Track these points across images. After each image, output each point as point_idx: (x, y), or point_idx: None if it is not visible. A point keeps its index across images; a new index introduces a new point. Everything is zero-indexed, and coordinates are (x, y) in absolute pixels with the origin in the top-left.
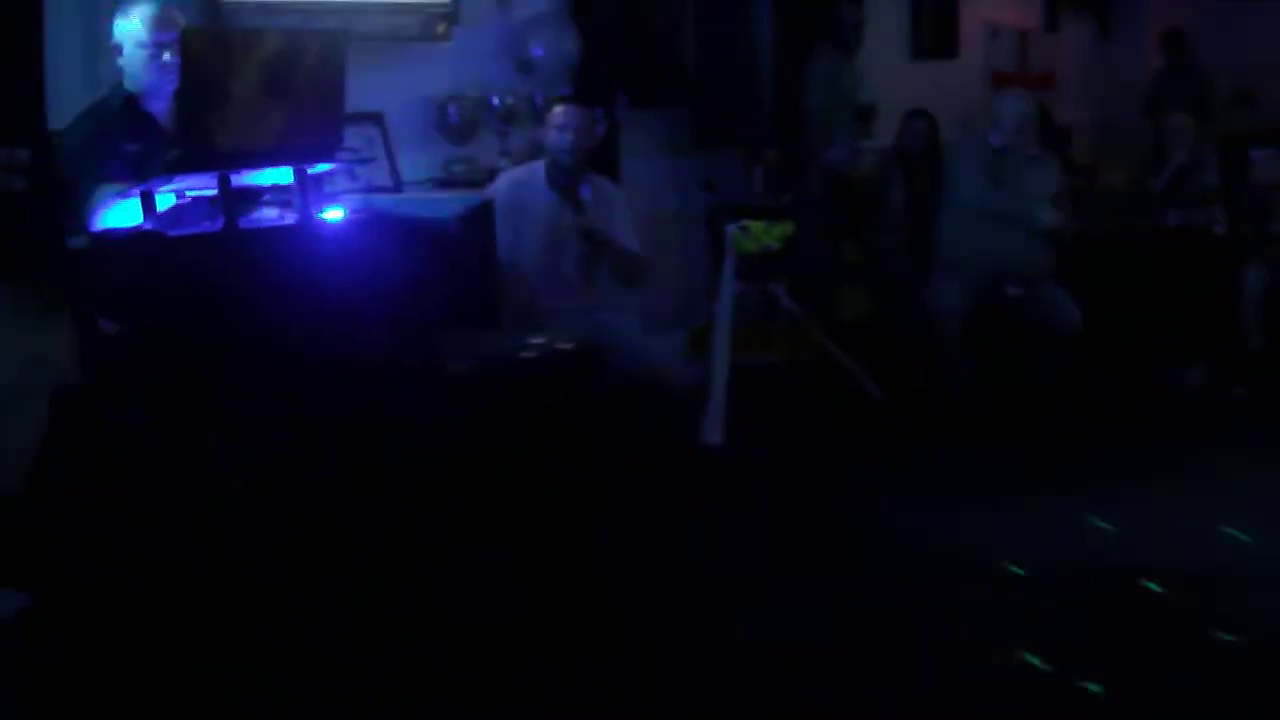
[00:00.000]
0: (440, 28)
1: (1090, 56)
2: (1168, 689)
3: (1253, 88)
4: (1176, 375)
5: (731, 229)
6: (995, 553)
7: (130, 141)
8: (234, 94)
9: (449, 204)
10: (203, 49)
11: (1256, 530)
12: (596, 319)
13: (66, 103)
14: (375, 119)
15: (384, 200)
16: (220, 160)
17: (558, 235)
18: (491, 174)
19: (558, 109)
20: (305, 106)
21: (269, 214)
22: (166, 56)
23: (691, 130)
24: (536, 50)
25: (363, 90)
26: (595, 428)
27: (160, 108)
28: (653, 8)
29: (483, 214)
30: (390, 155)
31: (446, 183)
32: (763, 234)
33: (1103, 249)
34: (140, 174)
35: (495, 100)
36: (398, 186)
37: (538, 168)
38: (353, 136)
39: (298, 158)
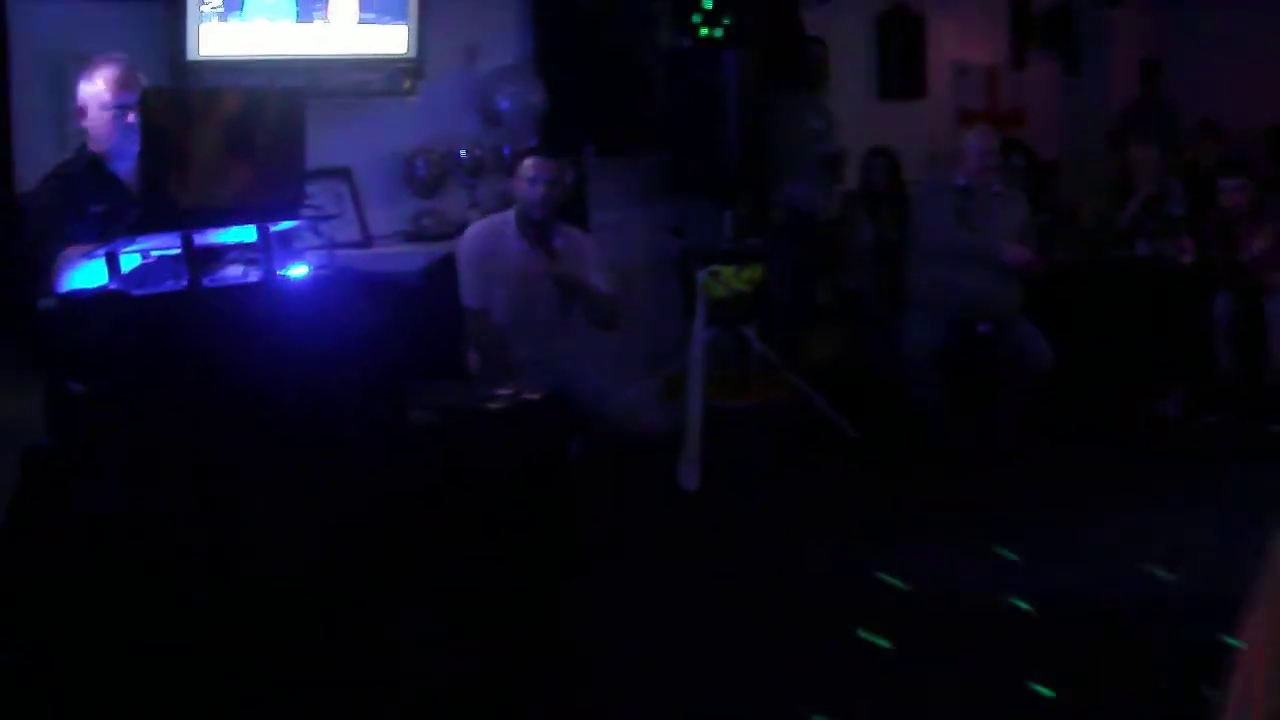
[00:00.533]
0: (406, 82)
1: (1057, 93)
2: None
3: (1218, 119)
4: (1150, 406)
5: (701, 274)
6: (975, 587)
7: (96, 202)
8: (195, 153)
9: (413, 258)
10: (163, 109)
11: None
12: (569, 367)
13: (34, 165)
14: (343, 174)
15: (349, 256)
16: (183, 219)
17: (529, 284)
18: (461, 226)
19: (528, 162)
20: (266, 164)
21: (233, 272)
22: (130, 118)
23: (661, 177)
24: (503, 102)
25: (330, 146)
26: (564, 477)
27: (125, 168)
28: (619, 56)
29: (446, 267)
30: (358, 210)
31: (415, 236)
32: (733, 278)
33: (1072, 282)
34: (106, 235)
35: (462, 153)
36: (366, 241)
37: (508, 218)
38: (320, 192)
39: (260, 215)
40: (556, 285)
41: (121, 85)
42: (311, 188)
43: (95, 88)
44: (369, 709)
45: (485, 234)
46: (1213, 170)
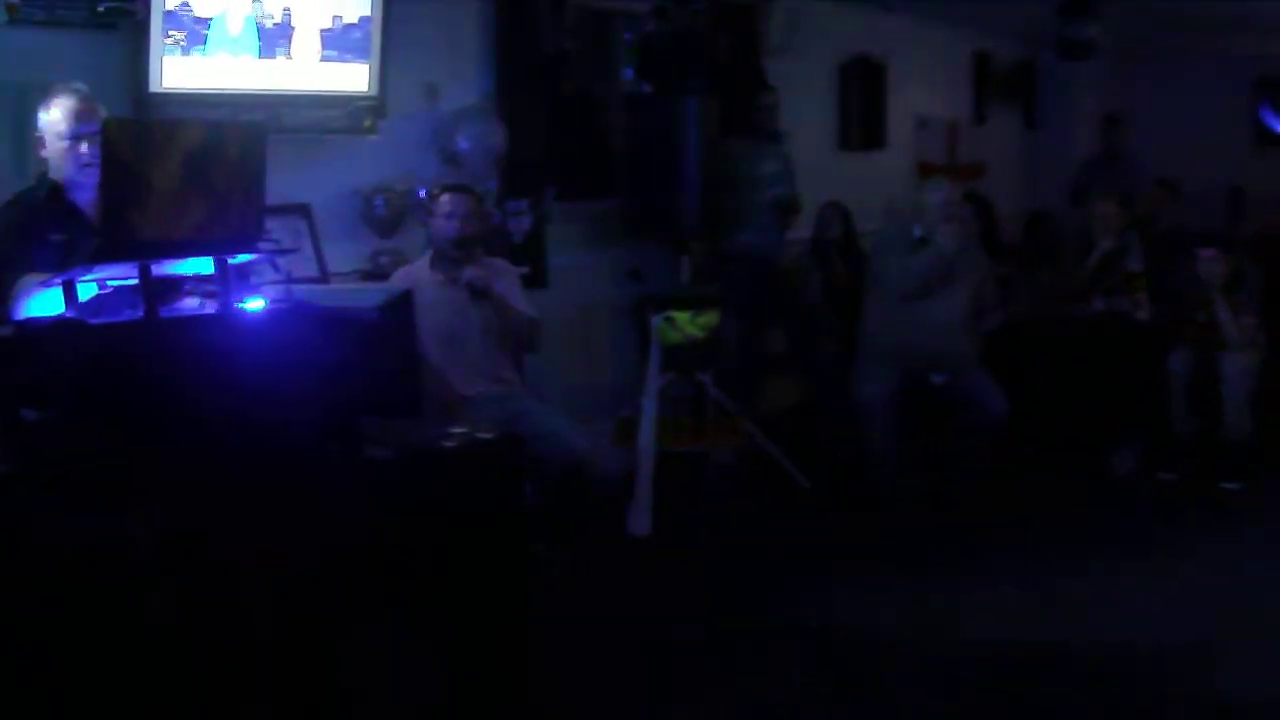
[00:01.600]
0: (367, 121)
1: (1018, 147)
2: None
3: (1175, 178)
4: (1105, 461)
5: (656, 319)
6: (926, 637)
7: (55, 231)
8: (155, 185)
9: (370, 294)
10: (124, 140)
11: (1175, 610)
12: (518, 407)
13: None
14: (302, 211)
15: (306, 291)
16: (141, 250)
17: (452, 320)
18: None
19: (444, 197)
20: (226, 197)
21: (190, 304)
22: (84, 148)
23: (620, 222)
24: (463, 143)
25: (290, 182)
26: (518, 517)
27: (85, 198)
28: (580, 101)
29: (403, 304)
30: (317, 247)
31: (373, 275)
32: (688, 324)
33: (1029, 335)
34: (65, 264)
35: (422, 192)
36: (324, 278)
37: (425, 259)
38: (280, 228)
39: (218, 248)
40: (467, 290)
41: (79, 116)
42: (271, 223)
43: (53, 118)
44: None
45: (405, 280)
46: (1190, 238)
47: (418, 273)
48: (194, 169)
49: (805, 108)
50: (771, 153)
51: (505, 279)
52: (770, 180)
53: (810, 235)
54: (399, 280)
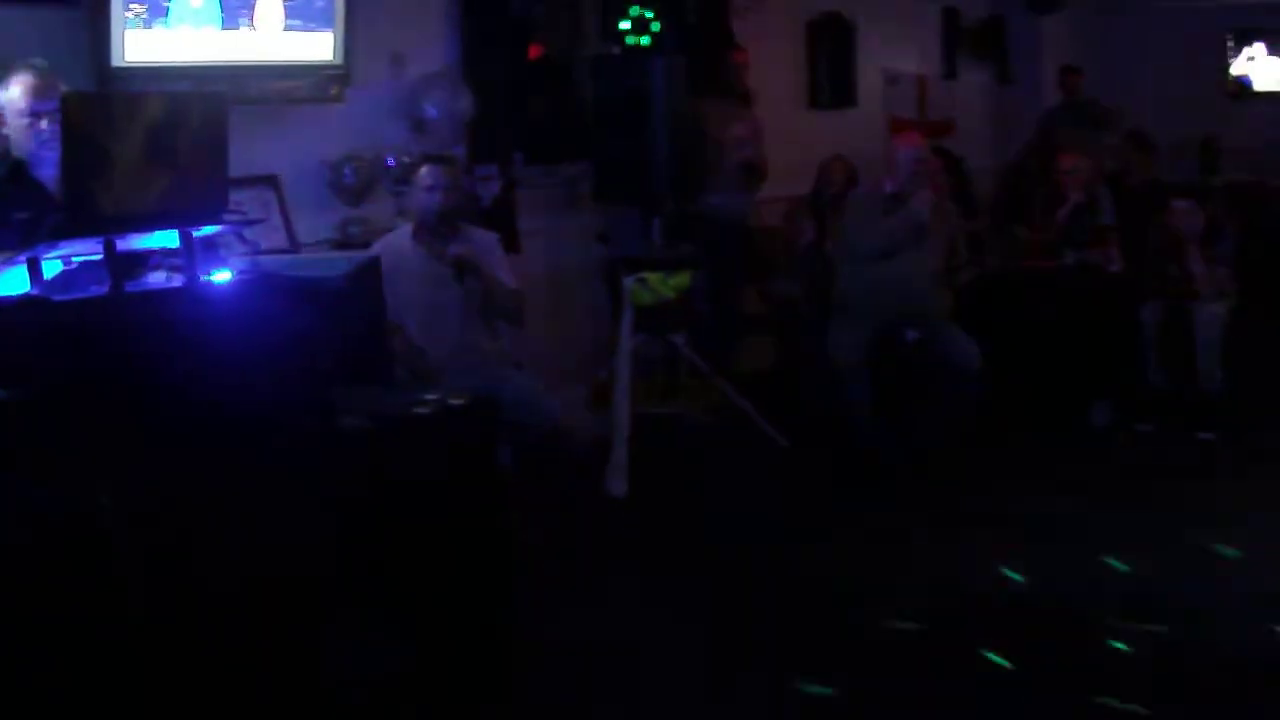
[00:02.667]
0: (333, 89)
1: (989, 102)
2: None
3: (1147, 130)
4: (1080, 414)
5: (629, 281)
6: (904, 591)
7: (19, 209)
8: (116, 158)
9: (337, 263)
10: (83, 113)
11: (1154, 561)
12: (493, 375)
13: None
14: (270, 181)
15: (272, 261)
16: (105, 224)
17: (436, 292)
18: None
19: (424, 169)
20: (189, 169)
21: (157, 277)
22: (44, 124)
23: (589, 185)
24: (430, 110)
25: (257, 153)
26: (492, 482)
27: (49, 175)
28: (547, 65)
29: (370, 270)
30: (286, 217)
31: (343, 244)
32: (660, 285)
33: (1001, 290)
34: (29, 242)
35: (390, 160)
36: (294, 248)
37: (406, 230)
38: (248, 199)
39: (182, 220)
40: (453, 268)
41: (38, 92)
42: (239, 195)
43: (11, 95)
44: (307, 716)
45: (387, 248)
46: (1166, 190)
47: (399, 243)
48: (155, 141)
49: (774, 66)
50: (742, 114)
51: (489, 252)
52: (739, 142)
53: (810, 191)
54: (380, 249)
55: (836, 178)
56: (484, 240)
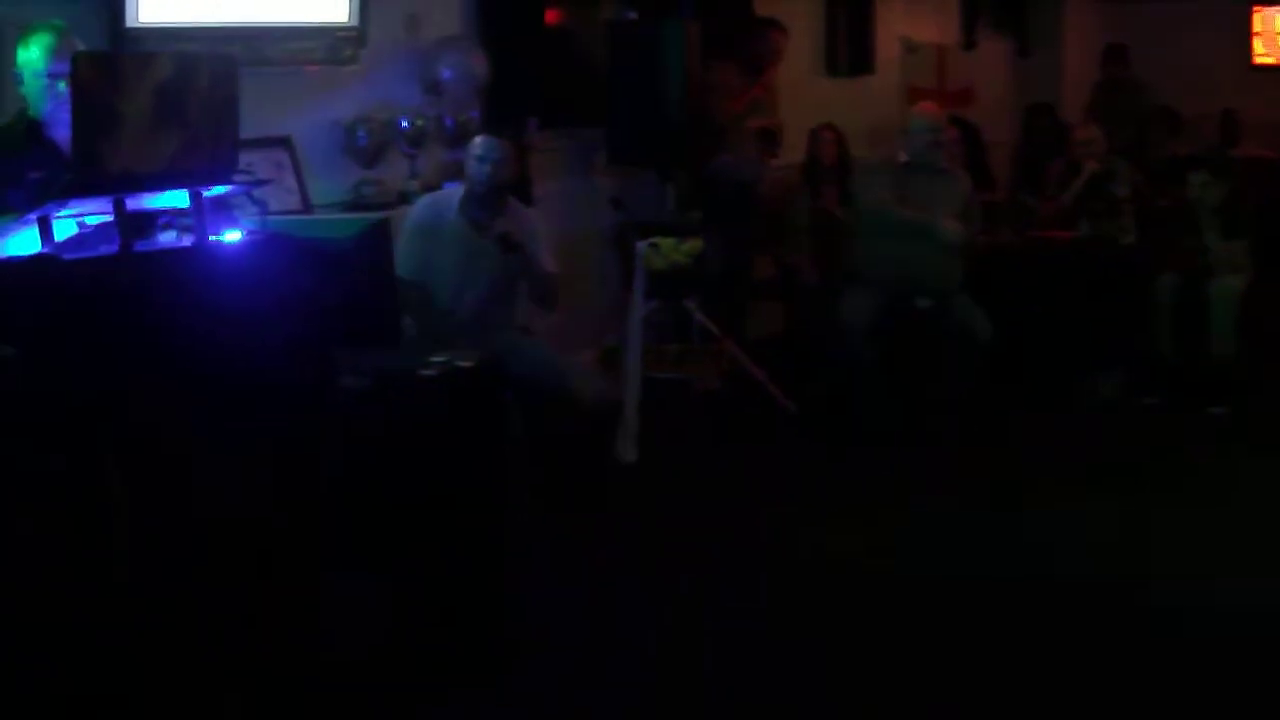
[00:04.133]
0: (347, 51)
1: (1008, 74)
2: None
3: (1176, 106)
4: (1090, 386)
5: (641, 246)
6: (910, 562)
7: (34, 168)
8: (127, 118)
9: (346, 224)
10: (94, 74)
11: (1167, 535)
12: (508, 339)
13: None
14: (283, 143)
15: (281, 222)
16: (114, 184)
17: (469, 260)
18: (402, 196)
19: (478, 139)
20: (199, 130)
21: (167, 237)
22: (61, 86)
23: (603, 150)
24: (445, 72)
25: (271, 115)
26: (499, 444)
27: (63, 135)
28: (562, 29)
29: (380, 232)
30: (299, 179)
31: (356, 205)
32: (672, 251)
33: (1014, 261)
34: (43, 201)
35: (404, 122)
36: (307, 210)
37: (455, 192)
38: (261, 161)
39: (192, 180)
40: (498, 244)
41: (56, 54)
42: (252, 156)
43: (30, 55)
44: (302, 673)
45: (431, 205)
46: (1183, 162)
47: (444, 204)
48: (165, 101)
49: (792, 32)
50: (755, 81)
51: (533, 232)
52: (754, 107)
53: (803, 159)
54: (424, 204)
55: (827, 148)
56: (528, 220)
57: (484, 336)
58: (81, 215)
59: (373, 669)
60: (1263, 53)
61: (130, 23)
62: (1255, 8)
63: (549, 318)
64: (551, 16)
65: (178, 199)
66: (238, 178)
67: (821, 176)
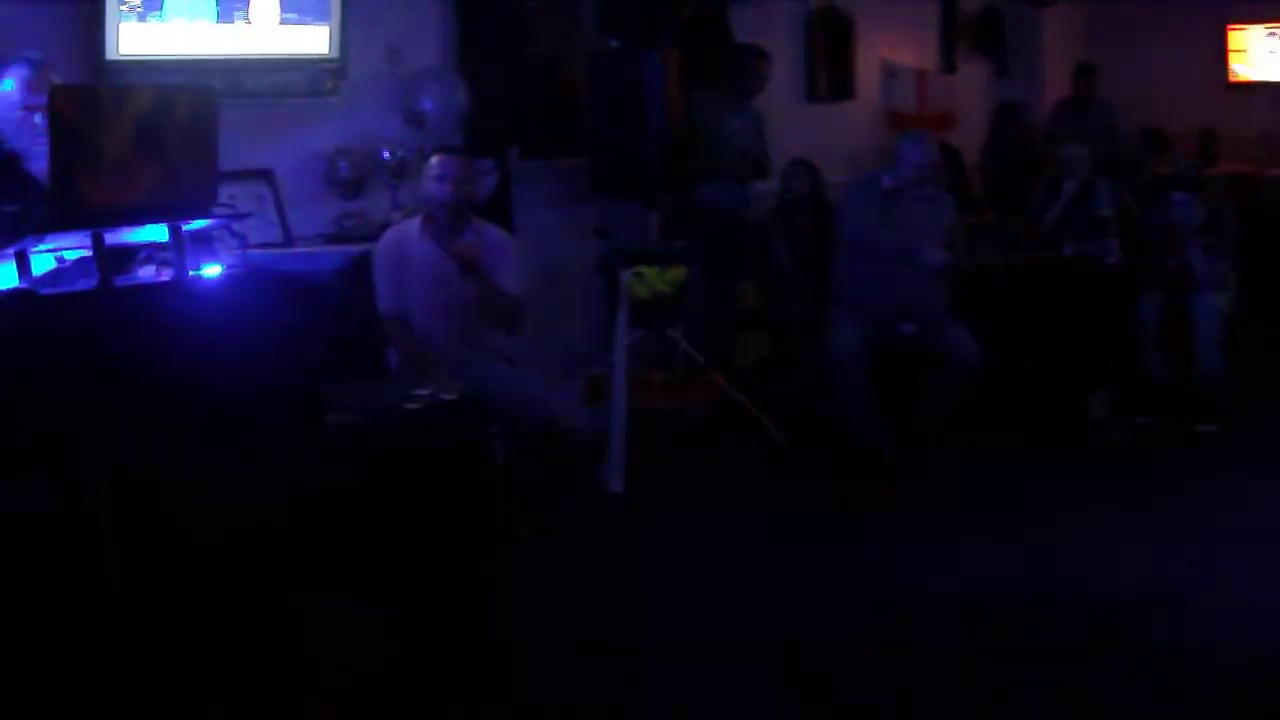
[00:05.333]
0: (328, 83)
1: (987, 96)
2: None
3: (1152, 125)
4: (1078, 407)
5: (625, 275)
6: (902, 588)
7: (10, 202)
8: (105, 151)
9: (329, 257)
10: (72, 107)
11: (1154, 556)
12: (493, 371)
13: None
14: (265, 176)
15: (264, 255)
16: (92, 217)
17: (440, 283)
18: (384, 228)
19: (434, 159)
20: (178, 162)
21: (147, 272)
22: (38, 118)
23: (586, 179)
24: (426, 103)
25: (252, 147)
26: (484, 476)
27: (41, 169)
28: (543, 59)
29: (362, 266)
30: (281, 211)
31: (338, 238)
32: (656, 279)
33: (998, 283)
34: (18, 235)
35: (386, 154)
36: (289, 242)
37: (418, 220)
38: (242, 193)
39: (172, 214)
40: (456, 262)
41: (33, 86)
42: (233, 189)
43: (6, 87)
44: (289, 706)
45: (396, 237)
46: (1165, 182)
47: (407, 232)
48: (144, 134)
49: (773, 59)
50: (741, 109)
51: (497, 255)
52: (738, 136)
53: (777, 193)
54: (389, 239)
55: (799, 181)
56: (497, 240)
57: (465, 369)
58: (59, 250)
59: (363, 696)
60: (1238, 71)
61: (110, 55)
62: (1230, 26)
63: (517, 336)
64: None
65: (157, 233)
66: (218, 211)
67: (794, 208)
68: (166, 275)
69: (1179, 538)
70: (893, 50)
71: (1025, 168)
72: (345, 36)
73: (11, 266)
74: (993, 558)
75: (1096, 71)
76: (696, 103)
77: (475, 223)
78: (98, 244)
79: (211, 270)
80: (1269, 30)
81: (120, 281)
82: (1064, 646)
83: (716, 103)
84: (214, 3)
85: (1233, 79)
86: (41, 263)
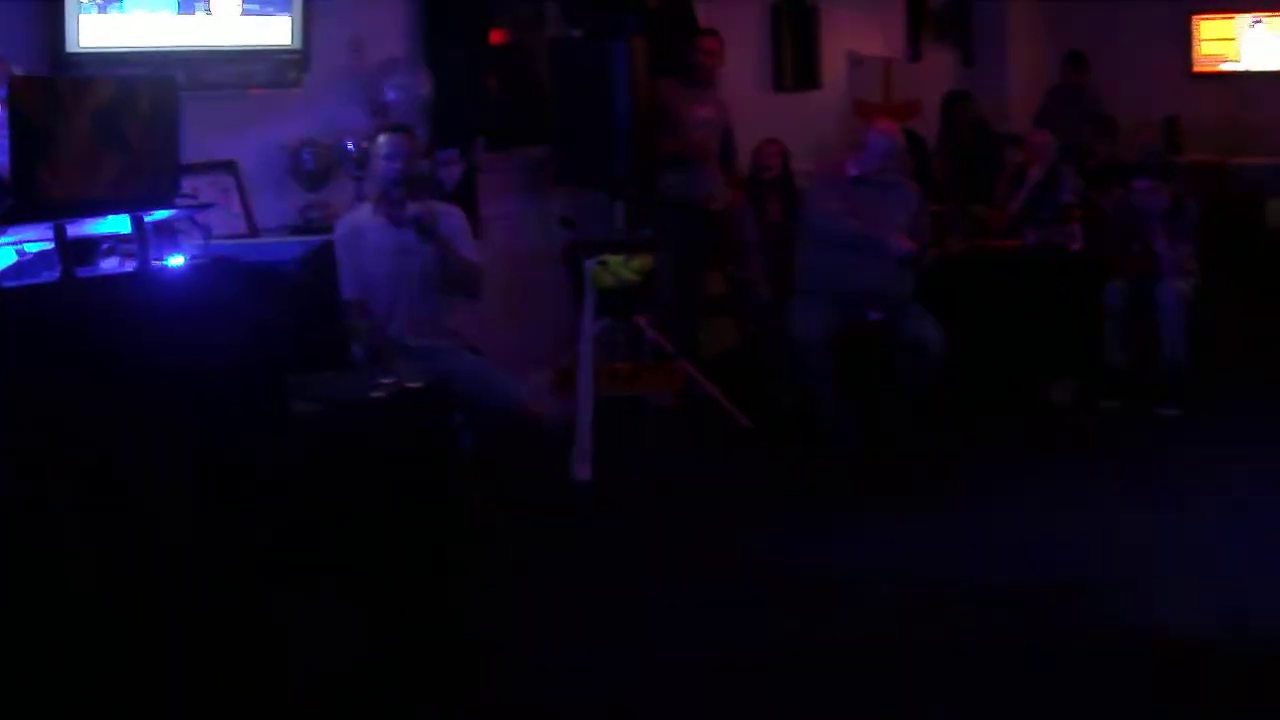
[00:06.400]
0: (291, 74)
1: (953, 84)
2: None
3: (1119, 113)
4: (1042, 393)
5: (590, 264)
6: (869, 574)
7: None
8: (66, 143)
9: (290, 247)
10: (32, 98)
11: (1120, 539)
12: (455, 360)
13: None
14: (228, 167)
15: (227, 246)
16: (54, 210)
17: (398, 262)
18: None
19: (382, 139)
20: (139, 154)
21: (110, 263)
22: None
23: (551, 169)
24: (390, 93)
25: (215, 139)
26: (450, 464)
27: (1, 161)
28: (507, 48)
29: (324, 255)
30: (245, 203)
31: (302, 229)
32: (621, 268)
33: (963, 270)
34: None
35: (350, 144)
36: (253, 234)
37: (368, 205)
38: (205, 185)
39: (134, 205)
40: (414, 229)
41: None
42: (197, 181)
43: None
44: (256, 698)
45: (351, 223)
46: (1129, 169)
47: (360, 217)
48: (105, 126)
49: (738, 49)
50: (706, 97)
51: (454, 226)
52: (703, 123)
53: (747, 175)
54: (343, 227)
55: (771, 162)
56: (448, 211)
57: (428, 351)
58: (21, 242)
59: (335, 689)
60: (1203, 60)
61: (70, 47)
62: (1196, 16)
63: (477, 301)
64: (497, 36)
65: (119, 224)
66: (180, 202)
67: (765, 190)
68: (130, 266)
69: (1144, 519)
70: (859, 40)
71: (978, 154)
72: (308, 27)
73: None
74: (959, 541)
75: (1086, 59)
76: (662, 91)
77: (427, 203)
78: (60, 236)
79: (175, 261)
80: (1254, 19)
81: (83, 273)
82: (1032, 627)
83: (679, 90)
84: None
85: (1197, 69)
86: (3, 256)
